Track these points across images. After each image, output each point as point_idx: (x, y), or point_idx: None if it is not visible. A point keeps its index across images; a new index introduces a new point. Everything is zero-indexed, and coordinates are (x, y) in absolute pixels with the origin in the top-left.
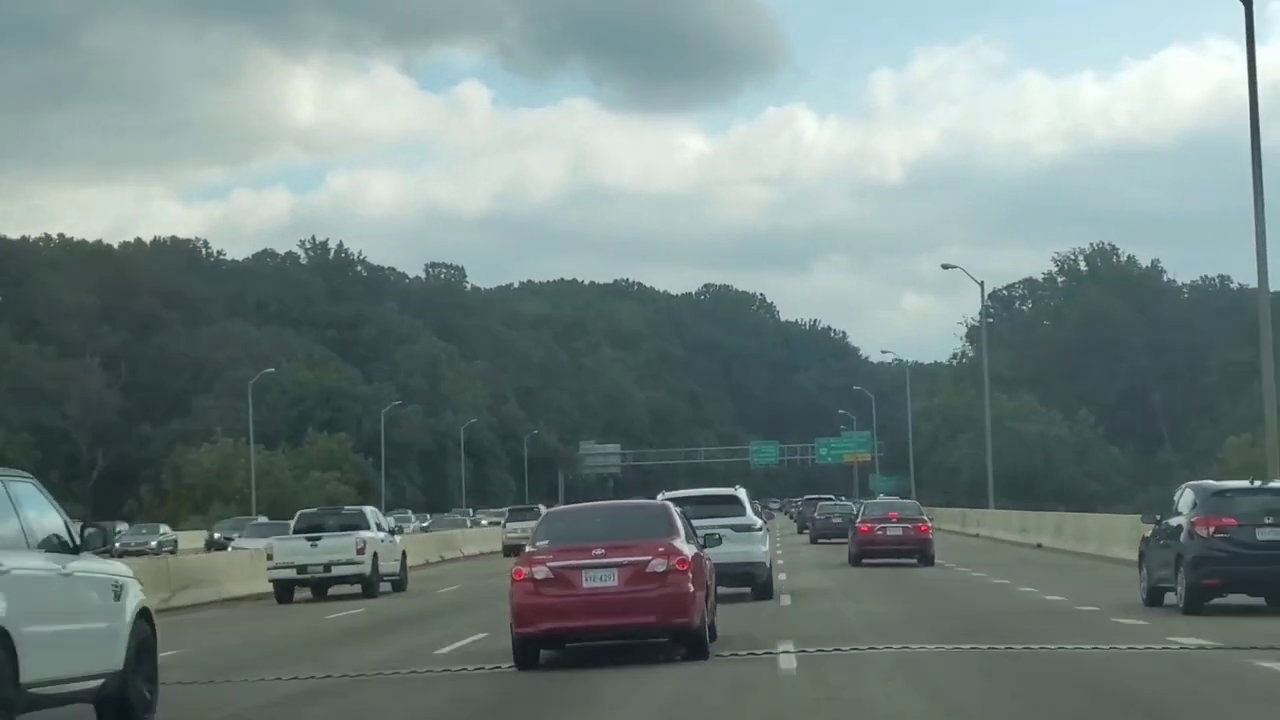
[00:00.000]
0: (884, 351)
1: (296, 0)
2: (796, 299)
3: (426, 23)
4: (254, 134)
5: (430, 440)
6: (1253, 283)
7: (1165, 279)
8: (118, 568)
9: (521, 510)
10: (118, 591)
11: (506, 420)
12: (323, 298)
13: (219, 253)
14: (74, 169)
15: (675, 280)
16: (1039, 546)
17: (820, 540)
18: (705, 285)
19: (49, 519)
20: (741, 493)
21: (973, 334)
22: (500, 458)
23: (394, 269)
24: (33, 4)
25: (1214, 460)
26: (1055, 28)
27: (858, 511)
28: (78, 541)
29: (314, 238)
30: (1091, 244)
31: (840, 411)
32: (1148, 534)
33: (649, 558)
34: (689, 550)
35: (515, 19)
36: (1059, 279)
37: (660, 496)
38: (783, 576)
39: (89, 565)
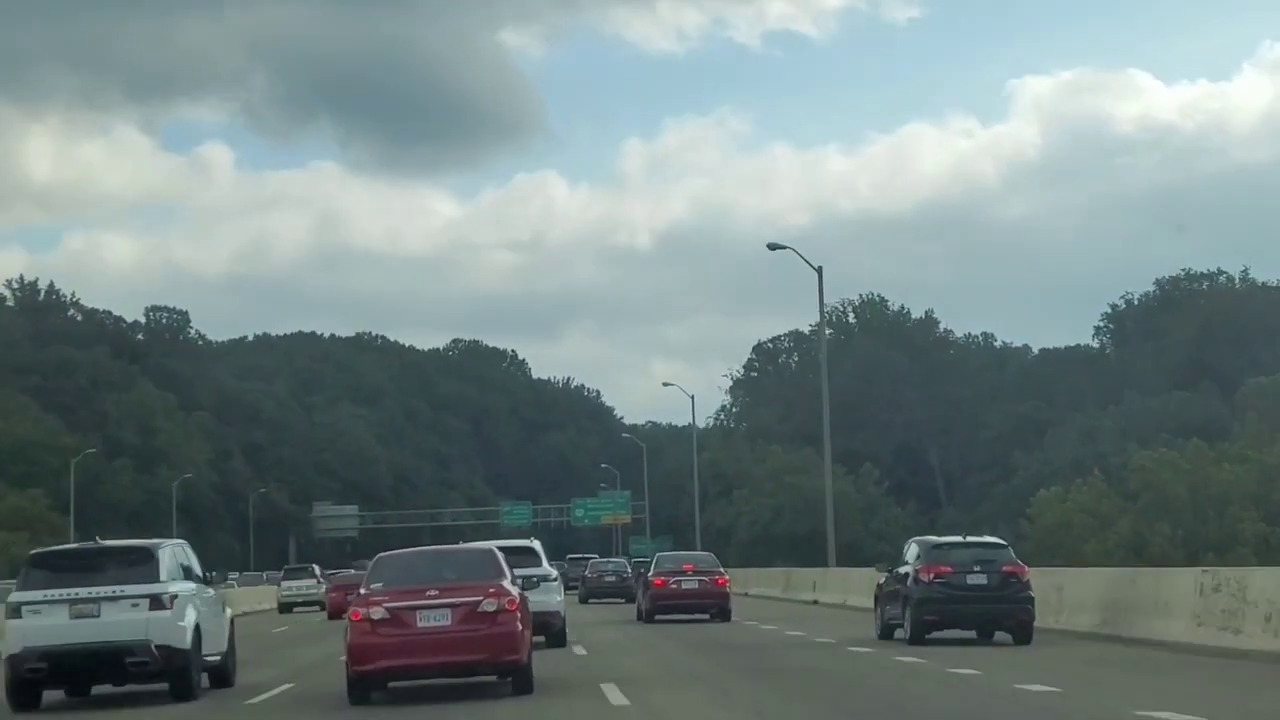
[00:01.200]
0: (648, 423)
1: (32, 54)
2: (548, 361)
3: (169, 81)
4: None
5: (141, 498)
6: (1017, 341)
7: (941, 329)
8: (221, 593)
9: (296, 569)
10: (223, 606)
11: (231, 478)
12: (27, 342)
13: None
14: None
15: (422, 338)
16: None
17: (592, 600)
18: (454, 340)
19: (195, 564)
20: (536, 545)
21: (737, 387)
22: (223, 519)
23: (110, 312)
24: None
25: (1022, 518)
26: (801, 101)
27: (650, 564)
28: (208, 578)
29: (22, 277)
30: (861, 295)
31: (603, 465)
32: (881, 580)
33: (480, 598)
34: (516, 592)
35: (261, 78)
36: (827, 331)
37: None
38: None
39: (213, 591)
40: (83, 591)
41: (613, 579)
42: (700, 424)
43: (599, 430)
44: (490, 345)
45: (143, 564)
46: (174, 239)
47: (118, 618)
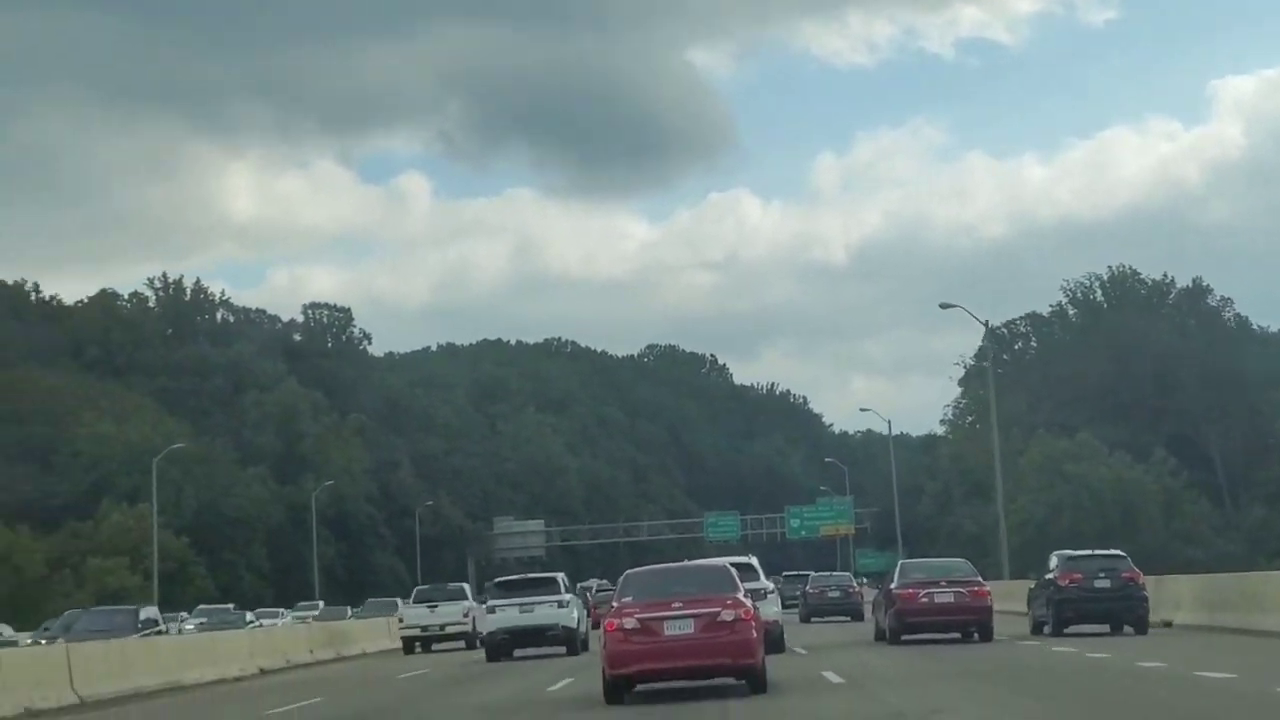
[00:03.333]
0: (863, 409)
1: (228, 90)
2: (747, 375)
3: (363, 111)
4: (193, 229)
5: (284, 514)
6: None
7: (1216, 298)
8: (580, 597)
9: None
10: (585, 605)
11: (395, 491)
12: (162, 342)
13: (52, 297)
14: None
15: (616, 344)
16: None
17: (814, 619)
18: (649, 346)
19: (566, 582)
20: (754, 560)
21: (970, 377)
22: (385, 537)
23: (263, 310)
24: None
25: None
26: (997, 109)
27: (894, 574)
28: (576, 590)
29: (165, 275)
30: (1110, 268)
31: (828, 459)
32: (1032, 586)
33: (719, 609)
34: (749, 603)
35: (455, 105)
36: (1070, 311)
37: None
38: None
39: (579, 598)
40: (525, 598)
41: (836, 594)
42: (919, 432)
43: (808, 438)
44: (689, 350)
45: (551, 584)
46: (374, 270)
47: (543, 611)
